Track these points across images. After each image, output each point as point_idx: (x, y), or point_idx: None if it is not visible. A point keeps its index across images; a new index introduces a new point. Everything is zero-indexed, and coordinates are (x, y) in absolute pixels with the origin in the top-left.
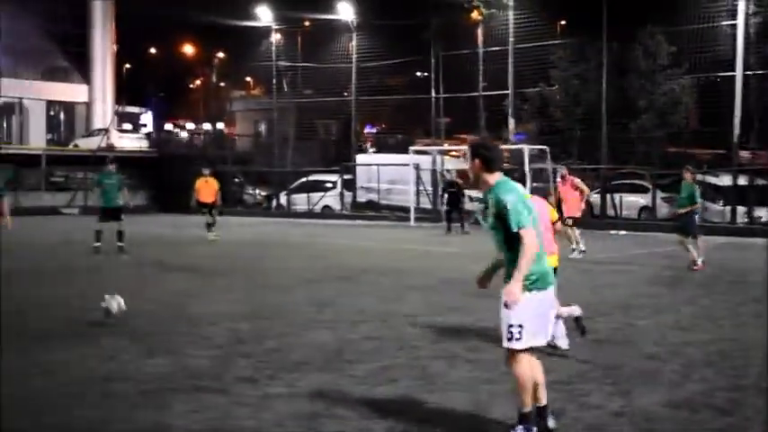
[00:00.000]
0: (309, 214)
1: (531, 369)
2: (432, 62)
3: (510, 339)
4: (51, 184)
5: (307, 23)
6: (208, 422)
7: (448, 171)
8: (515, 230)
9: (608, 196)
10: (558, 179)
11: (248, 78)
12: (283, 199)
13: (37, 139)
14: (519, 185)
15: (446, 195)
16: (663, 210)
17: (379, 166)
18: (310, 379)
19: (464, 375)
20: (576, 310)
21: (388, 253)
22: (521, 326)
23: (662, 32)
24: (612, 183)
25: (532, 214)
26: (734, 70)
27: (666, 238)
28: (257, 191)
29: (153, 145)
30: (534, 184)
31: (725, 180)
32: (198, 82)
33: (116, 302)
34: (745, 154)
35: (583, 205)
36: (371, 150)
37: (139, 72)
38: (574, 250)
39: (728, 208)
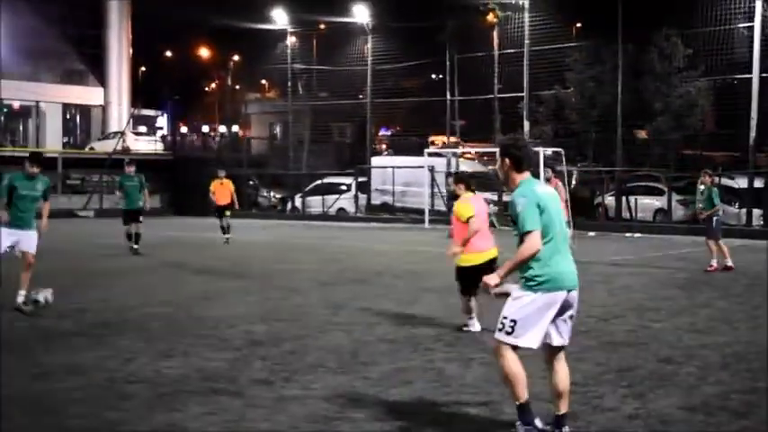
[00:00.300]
0: (324, 217)
1: (516, 364)
2: (447, 65)
3: (500, 330)
4: (67, 186)
5: (322, 26)
6: (223, 424)
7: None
8: (522, 232)
9: (623, 198)
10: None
11: (263, 81)
12: (298, 201)
13: (53, 142)
14: (540, 185)
15: None
16: (678, 212)
17: (393, 168)
18: (325, 381)
19: (478, 377)
20: (474, 324)
21: (402, 255)
22: (514, 321)
23: (677, 35)
24: (628, 185)
25: (546, 215)
26: (750, 72)
27: (682, 241)
28: (272, 193)
29: (168, 148)
30: None
31: (741, 183)
32: (213, 85)
33: (43, 295)
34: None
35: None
36: (386, 153)
37: (155, 75)
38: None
39: (744, 210)
